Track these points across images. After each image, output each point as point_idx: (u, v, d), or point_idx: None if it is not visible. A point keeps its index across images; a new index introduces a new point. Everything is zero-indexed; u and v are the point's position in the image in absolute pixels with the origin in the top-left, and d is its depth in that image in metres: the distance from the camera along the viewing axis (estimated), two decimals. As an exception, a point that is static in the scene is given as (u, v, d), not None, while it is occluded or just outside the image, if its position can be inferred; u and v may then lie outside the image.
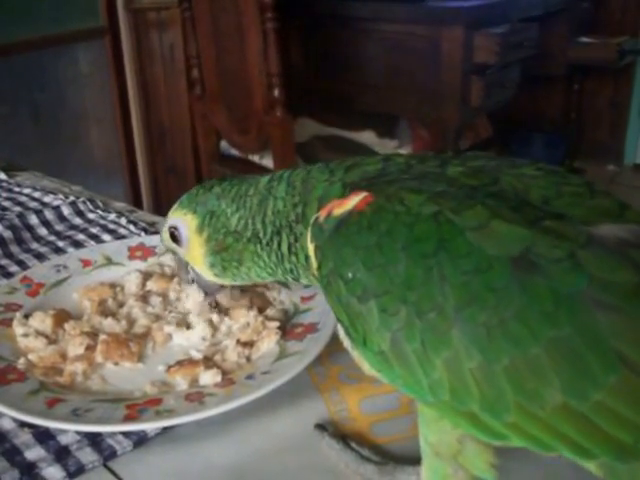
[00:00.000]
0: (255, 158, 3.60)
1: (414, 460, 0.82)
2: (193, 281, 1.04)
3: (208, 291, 1.08)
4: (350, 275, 0.70)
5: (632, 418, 0.59)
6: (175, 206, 0.98)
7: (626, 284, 0.60)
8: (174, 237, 0.98)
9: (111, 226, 1.54)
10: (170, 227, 0.98)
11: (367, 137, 3.95)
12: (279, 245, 0.87)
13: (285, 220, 0.86)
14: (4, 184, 1.82)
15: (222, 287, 1.08)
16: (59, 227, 1.56)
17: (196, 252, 0.96)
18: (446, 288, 0.63)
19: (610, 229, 0.64)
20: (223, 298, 1.17)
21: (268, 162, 3.48)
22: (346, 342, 0.78)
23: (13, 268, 1.37)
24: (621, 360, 0.58)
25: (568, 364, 0.59)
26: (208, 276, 0.98)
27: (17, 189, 1.78)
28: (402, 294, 0.66)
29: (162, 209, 4.19)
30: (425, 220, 0.67)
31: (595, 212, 0.67)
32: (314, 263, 0.77)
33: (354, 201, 0.73)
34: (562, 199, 0.69)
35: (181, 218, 0.96)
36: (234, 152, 3.72)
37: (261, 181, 0.91)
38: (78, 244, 1.46)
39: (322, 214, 0.76)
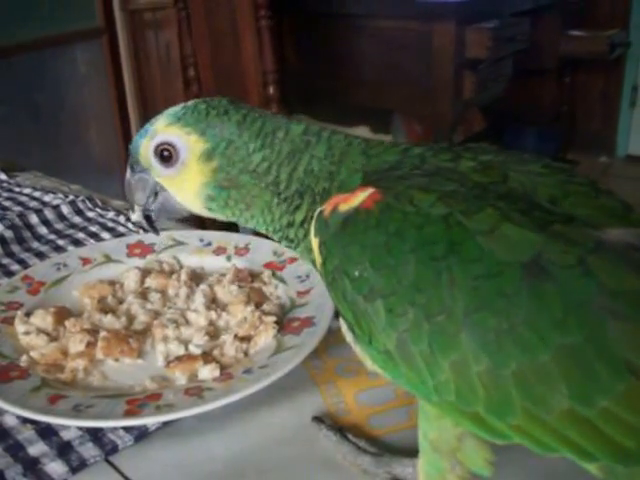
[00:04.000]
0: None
1: (410, 452, 0.83)
2: (148, 210, 0.89)
3: (169, 218, 0.92)
4: (357, 273, 0.69)
5: (637, 425, 0.59)
6: (169, 118, 0.83)
7: (635, 292, 0.60)
8: (162, 154, 0.83)
9: (110, 224, 1.56)
10: (163, 142, 0.82)
11: (361, 132, 3.94)
12: (295, 209, 0.80)
13: (315, 184, 0.79)
14: (4, 184, 1.84)
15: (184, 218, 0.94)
16: (59, 226, 1.57)
17: (191, 179, 0.82)
18: (455, 292, 0.63)
19: (618, 234, 0.64)
20: (221, 294, 1.18)
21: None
22: (348, 337, 0.78)
23: (14, 267, 1.38)
24: (629, 368, 0.58)
25: (576, 371, 0.59)
26: (194, 207, 0.85)
27: (17, 189, 1.79)
28: (410, 295, 0.65)
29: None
30: (435, 222, 0.66)
31: (601, 213, 0.67)
32: (318, 258, 0.75)
33: (360, 197, 0.71)
34: (569, 199, 0.68)
35: (181, 136, 0.81)
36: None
37: (293, 128, 0.82)
38: (78, 242, 1.48)
39: (327, 208, 0.74)
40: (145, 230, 0.94)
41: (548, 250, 0.62)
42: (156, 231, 0.93)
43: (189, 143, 0.81)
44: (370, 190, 0.71)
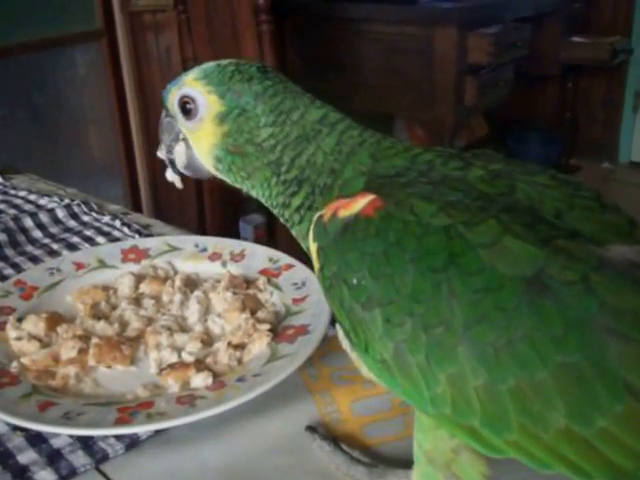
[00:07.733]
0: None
1: (405, 462, 0.82)
2: (171, 152, 0.91)
3: (195, 175, 0.92)
4: (355, 281, 0.68)
5: (634, 446, 0.58)
6: (198, 72, 0.85)
7: (637, 311, 0.59)
8: (184, 107, 0.85)
9: (105, 228, 1.55)
10: (185, 96, 0.85)
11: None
12: (292, 195, 0.81)
13: (315, 176, 0.79)
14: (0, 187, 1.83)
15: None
16: (54, 230, 1.56)
17: (205, 138, 0.84)
18: (455, 304, 0.62)
19: (621, 251, 0.63)
20: (216, 301, 1.17)
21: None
22: (345, 343, 0.77)
23: (8, 271, 1.37)
24: (628, 389, 0.58)
25: (574, 390, 0.58)
26: (206, 163, 0.87)
27: (12, 192, 1.78)
28: (408, 306, 0.64)
29: (161, 210, 4.18)
30: (435, 233, 0.65)
31: (605, 229, 0.66)
32: (316, 263, 0.75)
33: (361, 204, 0.71)
34: (574, 212, 0.67)
35: (203, 93, 0.83)
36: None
37: (310, 112, 0.82)
38: (72, 247, 1.47)
39: (326, 214, 0.73)
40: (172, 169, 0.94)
41: (550, 266, 0.61)
42: (178, 174, 0.94)
43: (208, 102, 0.83)
44: (371, 197, 0.71)
